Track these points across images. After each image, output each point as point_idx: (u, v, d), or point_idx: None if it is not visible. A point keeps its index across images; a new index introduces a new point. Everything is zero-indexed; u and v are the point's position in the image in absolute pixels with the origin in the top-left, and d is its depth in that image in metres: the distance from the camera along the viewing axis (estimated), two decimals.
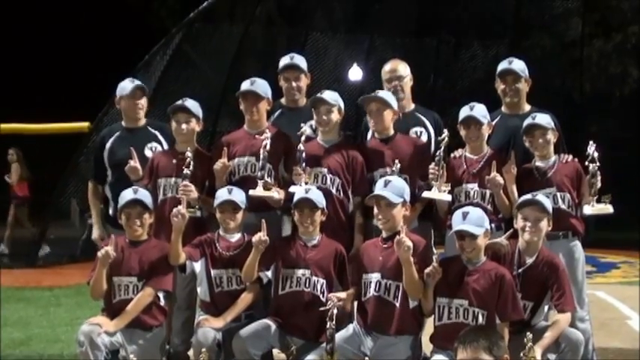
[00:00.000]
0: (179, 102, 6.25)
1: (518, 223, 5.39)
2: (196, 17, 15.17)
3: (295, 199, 5.68)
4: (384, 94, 6.18)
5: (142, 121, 6.63)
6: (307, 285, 5.63)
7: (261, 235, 5.56)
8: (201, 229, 6.02)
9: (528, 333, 4.33)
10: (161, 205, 6.06)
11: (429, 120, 6.44)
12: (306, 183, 5.83)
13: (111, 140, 6.55)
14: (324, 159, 6.05)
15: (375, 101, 6.11)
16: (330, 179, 6.02)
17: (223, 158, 6.02)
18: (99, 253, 5.52)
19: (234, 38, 16.44)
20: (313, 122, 6.25)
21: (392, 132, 6.17)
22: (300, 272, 5.64)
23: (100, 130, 6.51)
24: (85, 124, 14.96)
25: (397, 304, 5.37)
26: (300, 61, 6.59)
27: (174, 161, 6.12)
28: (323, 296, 5.54)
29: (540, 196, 5.49)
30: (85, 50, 24.72)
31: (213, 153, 6.35)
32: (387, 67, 6.57)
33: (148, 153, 6.43)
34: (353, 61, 17.44)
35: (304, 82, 6.55)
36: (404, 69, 6.53)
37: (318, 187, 5.84)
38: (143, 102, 6.56)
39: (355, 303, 5.64)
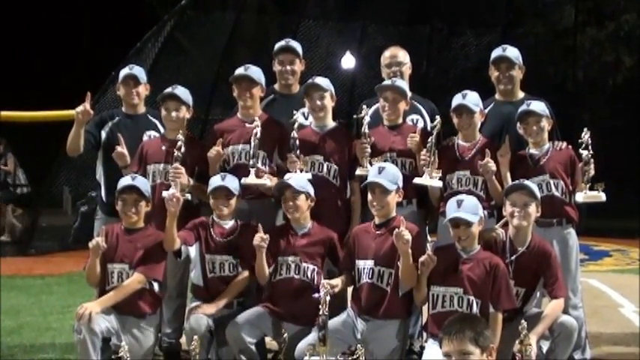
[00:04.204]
0: (169, 89, 6.20)
1: (507, 209, 5.36)
2: (188, 4, 15.10)
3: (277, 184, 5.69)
4: (402, 83, 6.14)
5: (142, 109, 6.57)
6: (297, 272, 5.63)
7: (262, 235, 5.52)
8: (193, 217, 5.98)
9: (523, 321, 4.29)
10: (150, 192, 6.01)
11: (425, 108, 6.43)
12: (301, 170, 5.81)
13: (110, 124, 6.49)
14: (319, 146, 6.03)
15: (392, 90, 6.08)
16: (327, 166, 6.00)
17: (217, 146, 5.99)
18: (90, 244, 5.49)
19: (226, 26, 16.36)
20: (305, 110, 6.22)
21: (400, 120, 6.15)
22: (290, 259, 5.65)
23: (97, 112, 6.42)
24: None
25: (388, 290, 5.38)
26: (296, 45, 6.56)
27: (163, 148, 6.11)
28: (314, 282, 5.54)
29: (528, 182, 5.46)
30: (75, 38, 24.62)
31: (206, 141, 6.31)
32: (387, 53, 6.57)
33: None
34: (345, 49, 17.35)
35: (298, 67, 6.51)
36: (404, 56, 6.54)
37: (314, 175, 5.85)
38: (140, 90, 6.49)
39: (349, 289, 5.63)
